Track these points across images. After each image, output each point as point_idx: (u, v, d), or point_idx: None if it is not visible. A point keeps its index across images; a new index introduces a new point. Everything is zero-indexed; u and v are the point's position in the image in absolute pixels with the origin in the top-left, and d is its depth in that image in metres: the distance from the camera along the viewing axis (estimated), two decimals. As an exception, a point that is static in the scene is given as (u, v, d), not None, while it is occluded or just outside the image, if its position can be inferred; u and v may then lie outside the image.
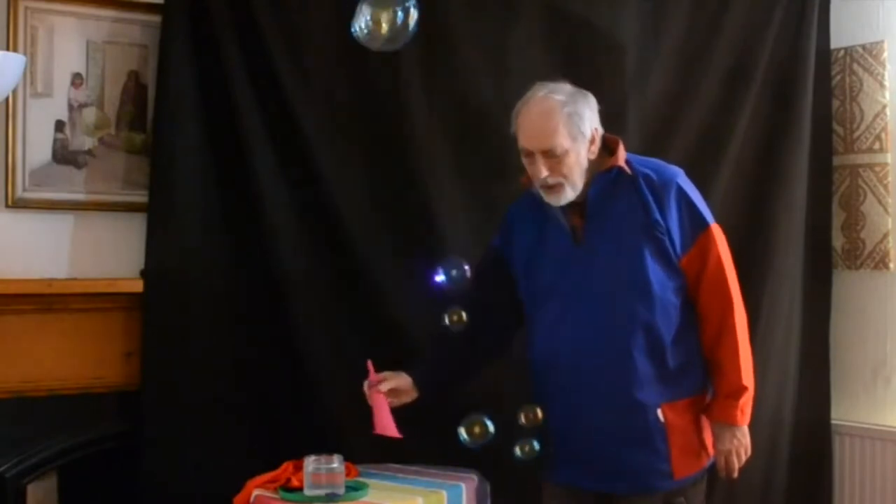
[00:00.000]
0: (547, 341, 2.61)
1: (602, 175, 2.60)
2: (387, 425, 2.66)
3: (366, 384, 2.69)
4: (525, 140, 2.55)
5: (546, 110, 2.53)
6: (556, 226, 2.62)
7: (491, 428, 2.62)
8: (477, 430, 2.62)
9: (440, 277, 2.60)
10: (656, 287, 2.55)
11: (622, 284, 2.55)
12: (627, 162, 2.62)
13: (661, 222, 2.56)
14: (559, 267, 2.60)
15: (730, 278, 2.65)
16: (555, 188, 2.55)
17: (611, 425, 2.58)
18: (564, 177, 2.54)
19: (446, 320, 2.62)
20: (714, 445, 2.67)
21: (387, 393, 2.68)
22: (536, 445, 2.61)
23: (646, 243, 2.56)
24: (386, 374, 2.70)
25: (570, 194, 2.56)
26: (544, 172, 2.53)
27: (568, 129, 2.52)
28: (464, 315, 2.62)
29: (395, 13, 2.24)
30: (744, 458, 2.68)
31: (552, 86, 2.58)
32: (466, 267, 2.59)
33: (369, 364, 2.70)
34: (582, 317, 2.56)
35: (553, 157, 2.52)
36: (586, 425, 2.60)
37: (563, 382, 2.60)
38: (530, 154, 2.55)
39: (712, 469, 2.74)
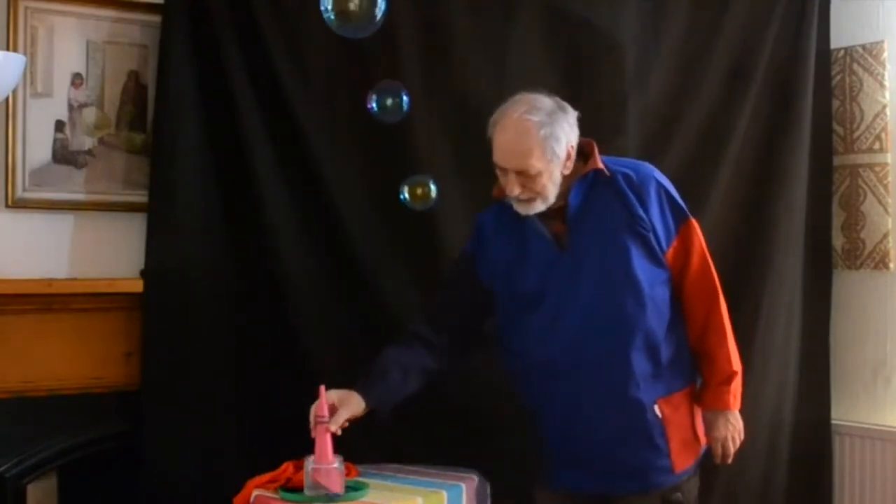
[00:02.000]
0: (540, 346, 2.60)
1: (581, 180, 2.60)
2: (331, 474, 2.44)
3: (312, 411, 2.48)
4: (499, 157, 2.55)
5: (522, 132, 2.50)
6: (535, 234, 2.61)
7: (434, 192, 2.52)
8: (419, 191, 2.55)
9: (372, 104, 2.55)
10: (645, 284, 2.56)
11: (612, 285, 2.55)
12: (603, 163, 2.62)
13: (645, 217, 2.57)
14: (544, 274, 2.60)
15: (712, 268, 2.68)
16: (526, 201, 2.56)
17: (610, 426, 2.58)
18: (537, 193, 2.54)
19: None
20: (708, 433, 2.69)
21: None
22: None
23: (631, 241, 2.57)
24: (335, 396, 2.50)
25: (540, 206, 2.56)
26: (516, 190, 2.54)
27: (542, 152, 2.50)
28: None
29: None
30: (738, 443, 2.71)
31: (531, 101, 2.54)
32: (405, 96, 2.51)
33: (321, 390, 2.49)
34: (575, 321, 2.56)
35: (527, 176, 2.52)
36: (585, 427, 2.60)
37: (561, 386, 2.59)
38: (504, 169, 2.55)
39: (708, 460, 2.75)
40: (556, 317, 2.58)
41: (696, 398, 2.70)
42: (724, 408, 2.67)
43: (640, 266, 2.56)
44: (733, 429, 2.69)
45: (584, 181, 2.60)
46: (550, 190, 2.55)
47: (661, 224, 2.60)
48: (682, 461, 2.64)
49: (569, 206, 2.58)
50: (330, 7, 2.18)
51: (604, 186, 2.60)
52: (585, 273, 2.57)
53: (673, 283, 2.63)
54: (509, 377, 2.75)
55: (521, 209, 2.58)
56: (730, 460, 2.73)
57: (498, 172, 2.58)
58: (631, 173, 2.62)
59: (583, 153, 2.63)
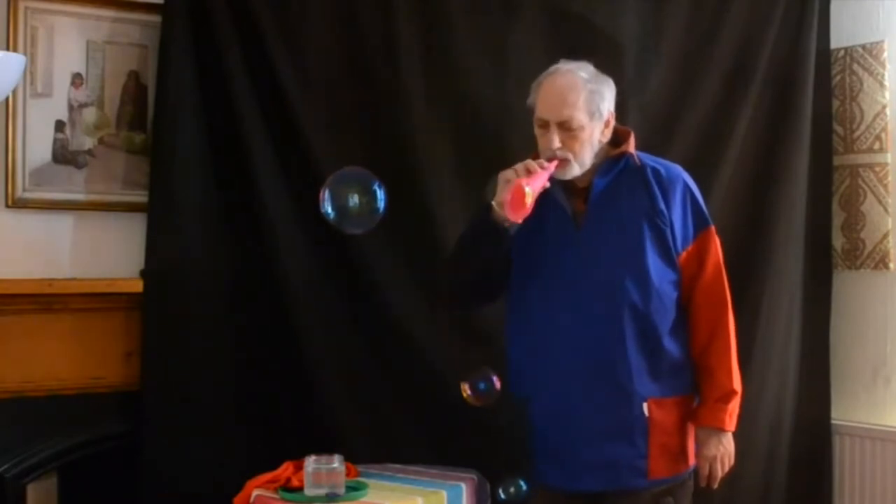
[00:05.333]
0: (539, 325, 2.58)
1: (611, 162, 2.60)
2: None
3: (526, 163, 2.47)
4: (543, 110, 2.56)
5: (570, 83, 2.54)
6: (557, 209, 2.59)
7: (524, 488, 2.63)
8: (512, 490, 2.63)
9: (468, 393, 2.57)
10: (654, 276, 2.54)
11: (620, 271, 2.54)
12: (635, 153, 2.62)
13: (666, 213, 2.57)
14: (557, 251, 2.58)
15: (725, 281, 2.65)
16: (562, 162, 2.54)
17: (595, 413, 2.53)
18: (574, 153, 2.53)
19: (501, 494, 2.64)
20: (698, 452, 2.63)
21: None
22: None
23: (648, 232, 2.56)
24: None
25: (576, 170, 2.55)
26: (556, 143, 2.53)
27: (587, 106, 2.53)
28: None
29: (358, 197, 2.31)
30: (727, 467, 2.65)
31: (577, 63, 2.60)
32: (495, 378, 2.57)
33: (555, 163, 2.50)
34: (577, 302, 2.54)
35: (568, 130, 2.52)
36: (570, 414, 2.55)
37: (554, 367, 2.56)
38: (545, 125, 2.55)
39: (694, 478, 2.69)
40: (558, 297, 2.56)
41: (692, 415, 2.64)
42: (718, 426, 2.60)
43: (652, 258, 2.55)
44: (724, 451, 2.62)
45: (614, 165, 2.60)
46: (587, 153, 2.55)
47: (680, 225, 2.59)
48: (658, 468, 2.57)
49: (593, 186, 2.58)
50: (331, 209, 2.27)
51: (631, 174, 2.60)
52: (596, 255, 2.55)
53: (683, 289, 2.61)
54: (508, 350, 2.70)
55: (556, 172, 2.54)
56: (715, 484, 2.65)
57: (537, 132, 2.58)
58: (661, 169, 2.63)
59: (614, 140, 2.63)
